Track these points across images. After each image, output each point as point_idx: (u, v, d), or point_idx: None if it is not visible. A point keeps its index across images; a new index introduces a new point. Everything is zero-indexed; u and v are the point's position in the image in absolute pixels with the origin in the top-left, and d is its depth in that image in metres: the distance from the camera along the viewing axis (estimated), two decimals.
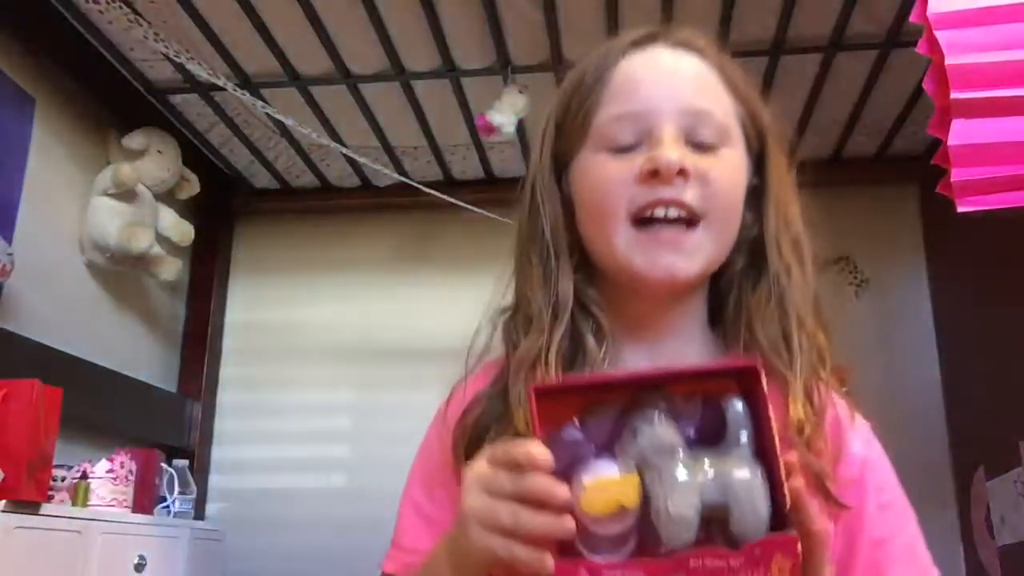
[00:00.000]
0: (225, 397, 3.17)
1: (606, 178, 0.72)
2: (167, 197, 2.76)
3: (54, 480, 2.03)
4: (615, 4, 2.23)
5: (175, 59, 2.21)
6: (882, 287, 3.06)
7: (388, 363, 3.17)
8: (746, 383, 0.58)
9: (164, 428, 2.89)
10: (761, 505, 0.55)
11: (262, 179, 3.22)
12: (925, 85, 1.22)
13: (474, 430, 0.74)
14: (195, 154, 2.92)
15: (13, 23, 2.19)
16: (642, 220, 0.71)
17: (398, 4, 2.23)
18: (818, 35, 2.38)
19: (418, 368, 3.08)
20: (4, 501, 1.75)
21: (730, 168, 0.73)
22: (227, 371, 3.20)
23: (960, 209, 1.20)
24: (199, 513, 2.78)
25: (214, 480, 3.08)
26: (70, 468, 2.14)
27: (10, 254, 2.09)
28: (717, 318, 0.78)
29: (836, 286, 3.06)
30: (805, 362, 0.72)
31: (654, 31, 0.78)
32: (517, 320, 0.77)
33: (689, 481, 0.55)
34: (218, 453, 3.11)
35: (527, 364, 0.72)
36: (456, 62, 2.49)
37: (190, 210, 2.99)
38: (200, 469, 2.96)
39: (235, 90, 2.29)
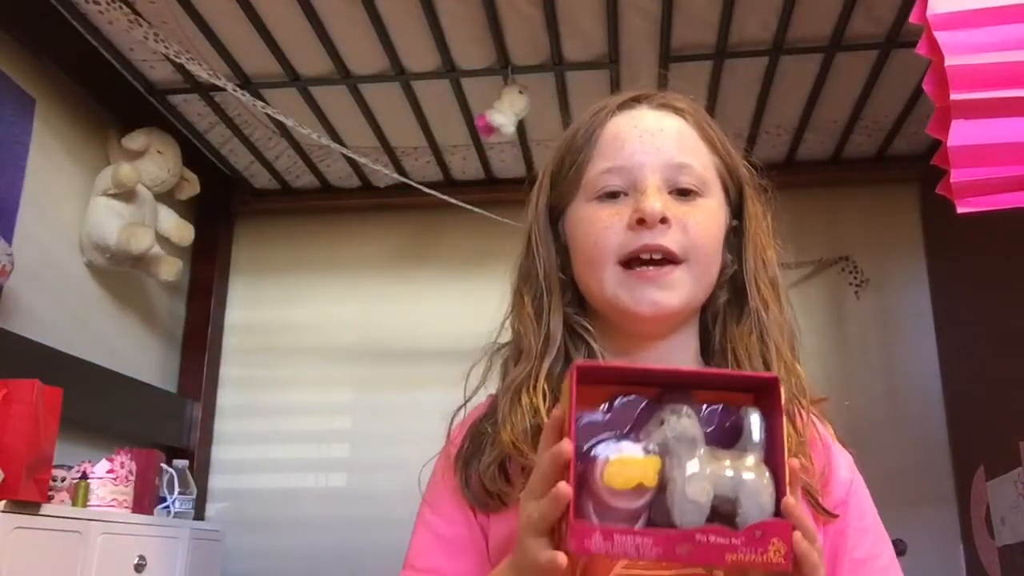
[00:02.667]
0: (225, 397, 3.17)
1: (599, 225, 0.80)
2: (167, 197, 2.76)
3: (54, 480, 2.03)
4: (615, 4, 2.23)
5: (175, 59, 2.21)
6: (882, 287, 3.06)
7: (388, 363, 3.17)
8: (761, 397, 0.66)
9: (164, 428, 2.89)
10: (767, 503, 0.62)
11: (262, 179, 3.22)
12: (925, 86, 1.22)
13: (471, 453, 0.80)
14: (195, 154, 2.92)
15: (13, 23, 2.19)
16: (629, 262, 0.79)
17: (398, 4, 2.23)
18: (818, 35, 2.38)
19: (418, 368, 3.08)
20: (4, 501, 1.75)
21: (708, 215, 0.81)
22: (227, 371, 3.20)
23: (960, 210, 1.20)
24: (199, 513, 2.78)
25: (214, 480, 3.08)
26: (70, 468, 2.15)
27: (10, 254, 2.09)
28: (707, 349, 0.86)
29: (836, 286, 3.07)
30: (785, 388, 0.77)
31: (638, 94, 0.86)
32: (512, 355, 0.84)
33: (705, 472, 0.61)
34: (218, 453, 3.11)
35: (516, 388, 0.79)
36: (456, 62, 2.49)
37: (190, 210, 3.00)
38: (200, 469, 2.96)
39: (235, 90, 2.29)
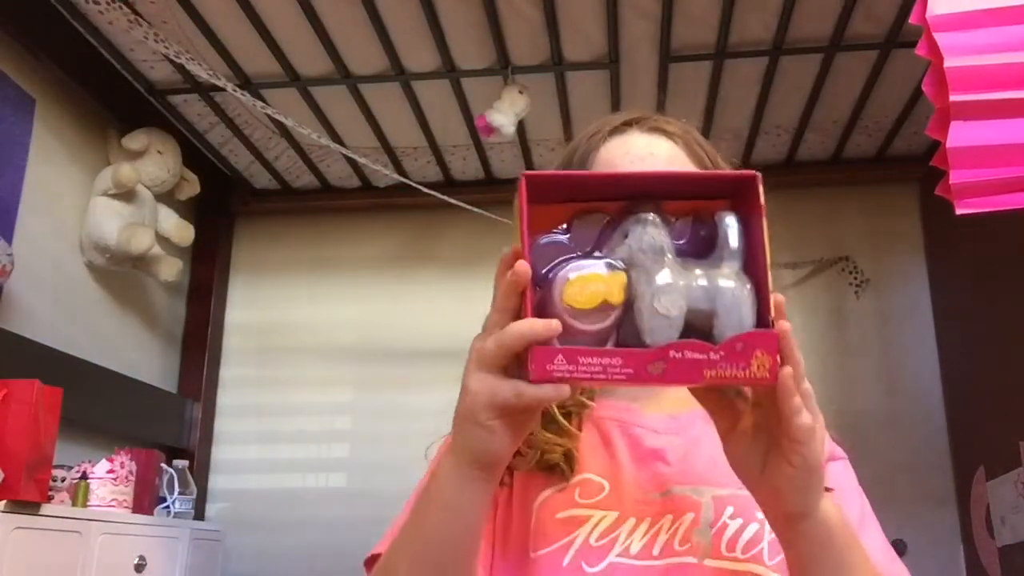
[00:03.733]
0: (225, 397, 3.17)
1: None
2: (167, 197, 2.76)
3: (54, 480, 2.03)
4: (615, 4, 2.23)
5: (175, 59, 2.21)
6: (882, 287, 3.06)
7: (388, 363, 3.18)
8: (739, 202, 0.59)
9: (164, 428, 2.90)
10: (747, 313, 0.56)
11: (262, 179, 3.22)
12: (924, 87, 1.22)
13: None
14: (195, 154, 2.92)
15: (13, 23, 2.19)
16: None
17: (398, 4, 2.23)
18: (818, 35, 2.38)
19: (418, 368, 3.08)
20: (4, 501, 1.75)
21: None
22: (227, 371, 3.20)
23: (959, 211, 1.20)
24: (199, 513, 2.79)
25: (214, 480, 3.09)
26: (70, 468, 2.15)
27: (10, 254, 2.09)
28: None
29: (836, 286, 3.07)
30: None
31: (630, 118, 0.86)
32: None
33: (677, 283, 0.56)
34: (218, 453, 3.11)
35: None
36: (456, 62, 2.49)
37: (190, 210, 3.00)
38: (200, 469, 2.96)
39: (235, 90, 2.29)
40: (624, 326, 0.56)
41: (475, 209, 2.69)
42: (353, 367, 3.21)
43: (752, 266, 0.57)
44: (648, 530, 0.74)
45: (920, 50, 1.21)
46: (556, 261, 0.58)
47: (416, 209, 3.17)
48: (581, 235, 0.59)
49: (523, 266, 0.56)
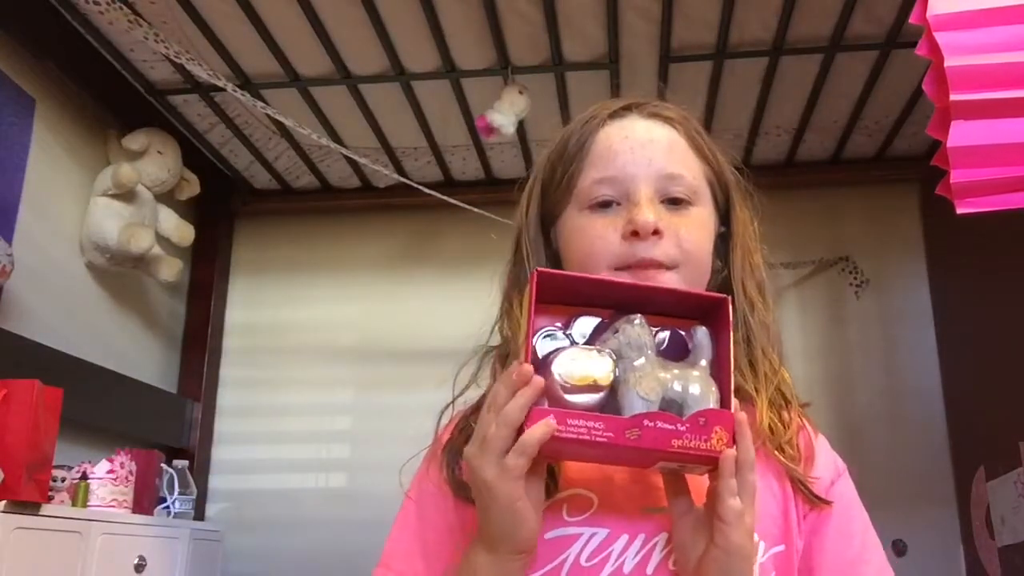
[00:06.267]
0: (225, 397, 3.17)
1: (592, 235, 0.80)
2: (167, 198, 2.76)
3: (54, 481, 2.03)
4: (615, 4, 2.23)
5: (175, 60, 2.21)
6: (882, 287, 3.06)
7: (388, 363, 3.18)
8: (711, 320, 0.71)
9: (164, 428, 2.89)
10: (711, 407, 0.66)
11: (262, 180, 3.22)
12: (925, 87, 1.22)
13: (460, 445, 0.79)
14: (195, 155, 2.92)
15: (13, 23, 2.19)
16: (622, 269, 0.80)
17: (398, 4, 2.23)
18: (818, 35, 2.38)
19: (418, 368, 3.08)
20: (4, 501, 1.75)
21: (698, 224, 0.82)
22: (227, 371, 3.20)
23: (959, 211, 1.20)
24: (199, 513, 2.78)
25: (214, 481, 3.08)
26: (70, 468, 2.15)
27: (10, 254, 2.09)
28: None
29: (836, 286, 3.07)
30: (771, 387, 0.81)
31: (629, 103, 0.86)
32: (499, 357, 0.84)
33: (656, 373, 0.66)
34: (218, 453, 3.11)
35: None
36: (456, 62, 2.49)
37: (190, 211, 3.00)
38: (200, 470, 2.96)
39: (235, 91, 2.29)
40: (608, 406, 0.65)
41: (475, 209, 2.68)
42: (353, 367, 3.21)
43: (718, 371, 0.68)
44: (642, 548, 0.73)
45: (920, 50, 1.21)
46: (554, 349, 0.67)
47: (416, 209, 3.17)
48: (577, 331, 0.70)
49: (527, 367, 0.64)
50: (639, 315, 0.68)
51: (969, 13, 1.17)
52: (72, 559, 1.95)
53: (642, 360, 0.66)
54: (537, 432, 0.63)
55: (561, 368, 0.65)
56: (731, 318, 0.69)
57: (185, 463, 2.66)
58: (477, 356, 0.86)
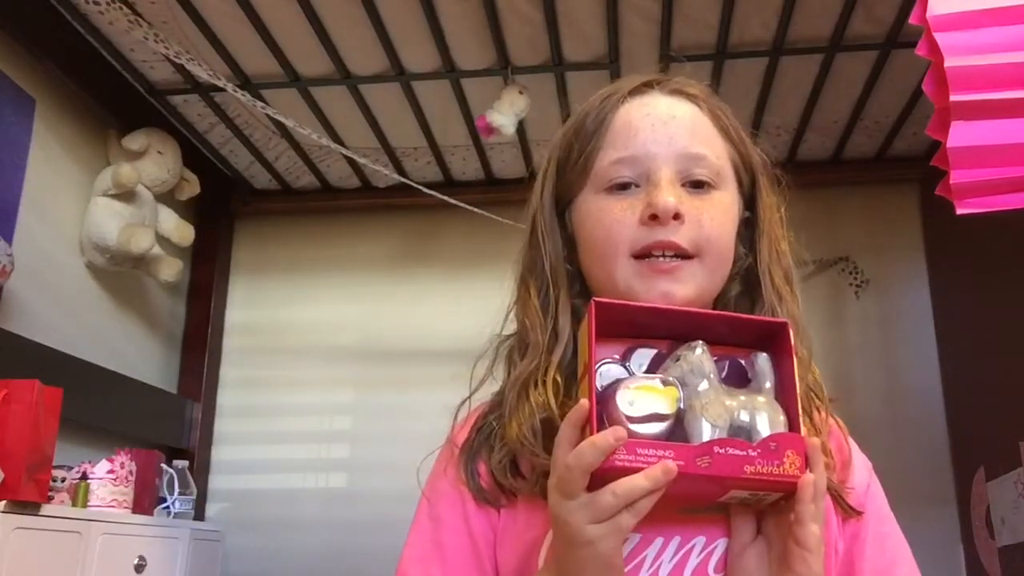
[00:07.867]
0: (225, 397, 3.17)
1: (610, 219, 0.76)
2: (167, 198, 2.76)
3: (54, 481, 2.03)
4: (615, 4, 2.23)
5: (175, 60, 2.21)
6: (882, 287, 3.06)
7: (388, 363, 3.18)
8: (770, 345, 0.69)
9: (164, 429, 2.89)
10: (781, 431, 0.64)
11: (262, 180, 3.22)
12: (924, 87, 1.22)
13: (477, 447, 0.78)
14: (195, 155, 2.92)
15: (13, 23, 2.19)
16: (641, 254, 0.76)
17: (398, 4, 2.23)
18: (818, 35, 2.38)
19: (418, 368, 3.08)
20: (4, 501, 1.75)
21: (722, 209, 0.78)
22: (227, 371, 3.20)
23: (959, 211, 1.20)
24: (199, 513, 2.78)
25: (214, 481, 3.08)
26: (70, 469, 2.15)
27: (10, 254, 2.09)
28: None
29: (836, 286, 3.07)
30: (801, 383, 0.76)
31: (650, 79, 0.83)
32: (517, 347, 0.81)
33: (722, 400, 0.64)
34: (218, 454, 3.11)
35: (524, 383, 0.76)
36: (456, 62, 2.49)
37: (190, 211, 3.00)
38: (200, 470, 2.96)
39: (235, 91, 2.29)
40: (675, 435, 0.63)
41: (475, 209, 2.68)
42: (353, 367, 3.21)
43: (783, 396, 0.67)
44: (678, 551, 0.69)
45: (920, 50, 1.21)
46: (614, 380, 0.66)
47: (416, 209, 3.17)
48: (635, 363, 0.69)
49: (585, 402, 0.62)
50: (700, 342, 0.66)
51: (969, 13, 1.17)
52: (72, 559, 1.95)
53: (706, 387, 0.64)
54: (637, 482, 0.60)
55: (626, 398, 0.63)
56: (792, 342, 0.67)
57: (185, 463, 2.66)
58: (492, 347, 0.83)
